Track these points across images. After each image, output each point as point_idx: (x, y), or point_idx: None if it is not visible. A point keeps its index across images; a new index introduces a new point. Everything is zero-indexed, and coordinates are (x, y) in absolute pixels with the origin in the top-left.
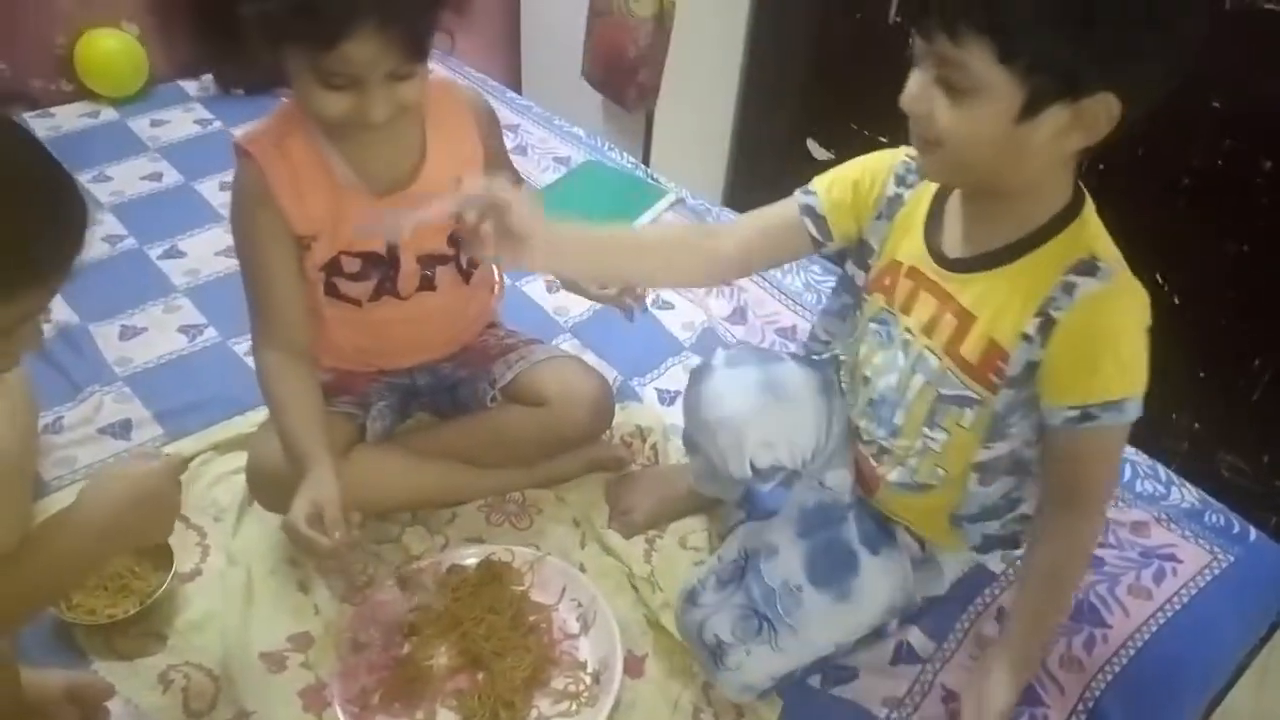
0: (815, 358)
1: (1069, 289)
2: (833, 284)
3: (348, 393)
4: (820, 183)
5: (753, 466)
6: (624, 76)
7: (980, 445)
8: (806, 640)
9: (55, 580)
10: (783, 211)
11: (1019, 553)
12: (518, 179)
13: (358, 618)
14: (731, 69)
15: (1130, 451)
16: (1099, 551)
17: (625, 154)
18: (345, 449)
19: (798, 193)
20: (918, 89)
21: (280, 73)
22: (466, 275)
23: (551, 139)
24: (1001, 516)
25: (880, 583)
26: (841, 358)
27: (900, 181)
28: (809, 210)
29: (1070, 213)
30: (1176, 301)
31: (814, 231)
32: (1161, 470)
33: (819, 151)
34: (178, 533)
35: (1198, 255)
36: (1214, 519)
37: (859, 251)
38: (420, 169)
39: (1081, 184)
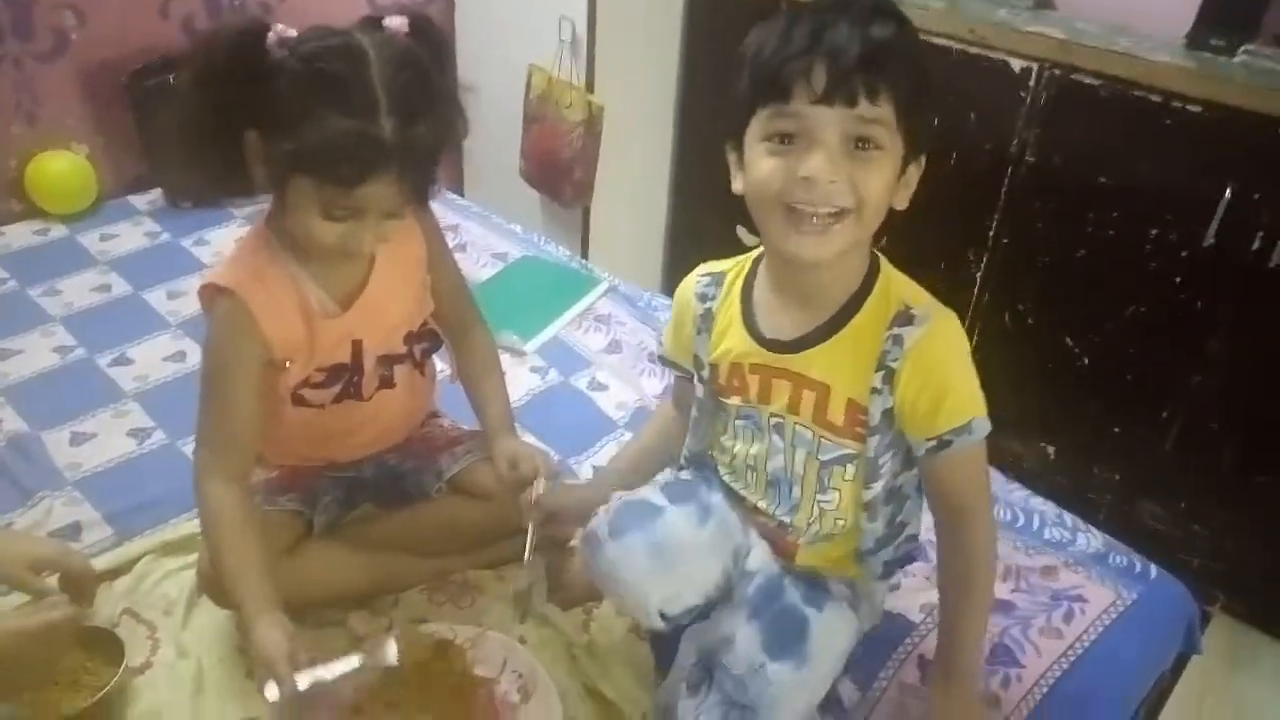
0: (688, 471)
1: (898, 340)
2: None
3: (294, 489)
4: (664, 335)
5: (663, 616)
6: (559, 176)
7: (862, 488)
8: (784, 714)
9: None
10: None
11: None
12: (459, 276)
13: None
14: (662, 164)
15: (1038, 501)
16: (1011, 597)
17: (563, 248)
18: (291, 545)
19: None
20: (827, 160)
21: (243, 188)
22: (421, 367)
23: (490, 236)
24: (893, 542)
25: (831, 635)
26: (712, 453)
27: (703, 298)
28: (665, 361)
29: (874, 271)
30: (1086, 362)
31: (680, 374)
32: (1068, 518)
33: (748, 238)
34: (129, 627)
35: (1100, 319)
36: (1117, 560)
37: (695, 366)
38: (369, 275)
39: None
